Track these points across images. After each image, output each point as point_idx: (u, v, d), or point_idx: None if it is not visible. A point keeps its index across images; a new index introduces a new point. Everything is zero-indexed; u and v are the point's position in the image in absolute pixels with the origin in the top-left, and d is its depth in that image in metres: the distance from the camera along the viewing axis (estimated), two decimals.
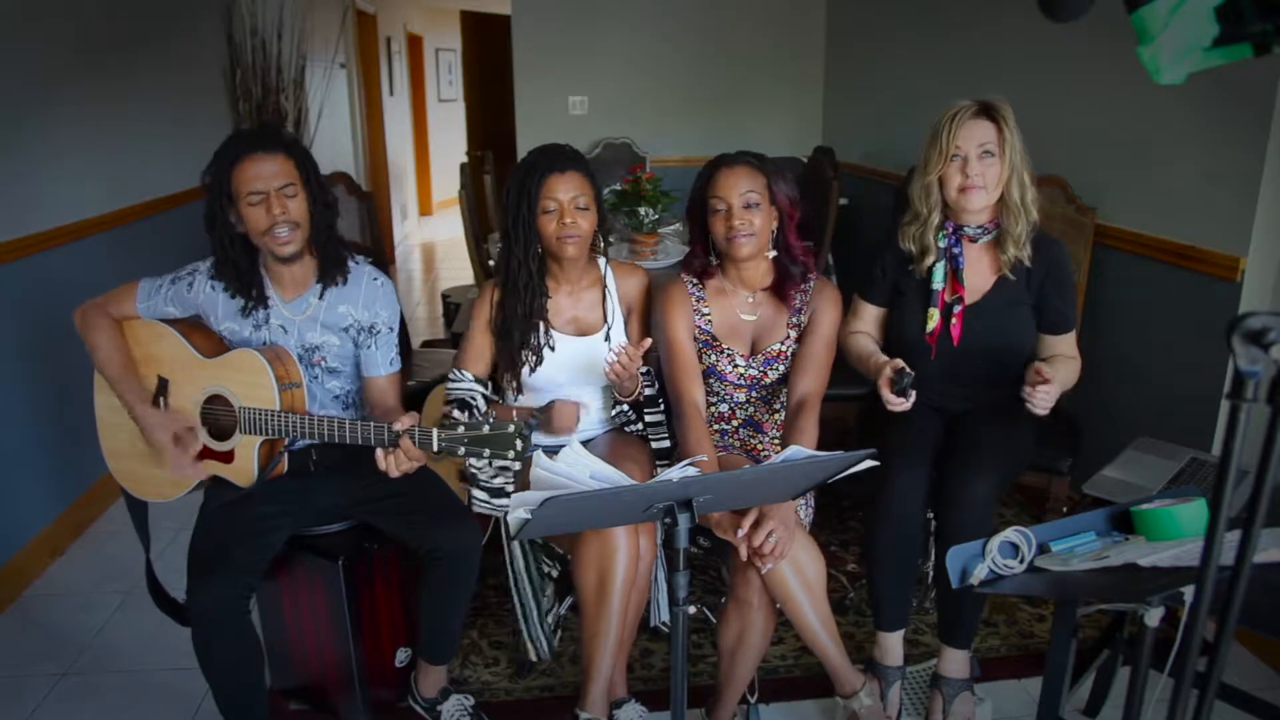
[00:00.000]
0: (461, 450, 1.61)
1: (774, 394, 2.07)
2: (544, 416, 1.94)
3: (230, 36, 4.42)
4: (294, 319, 1.89)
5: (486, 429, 1.59)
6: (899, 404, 1.89)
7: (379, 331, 1.94)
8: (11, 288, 2.64)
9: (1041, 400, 1.84)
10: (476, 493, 2.00)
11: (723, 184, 1.90)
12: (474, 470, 1.96)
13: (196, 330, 1.91)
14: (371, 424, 1.70)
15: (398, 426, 1.66)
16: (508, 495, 2.03)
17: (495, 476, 2.00)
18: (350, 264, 1.93)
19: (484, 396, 2.00)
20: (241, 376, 1.82)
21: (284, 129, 1.91)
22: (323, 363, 1.93)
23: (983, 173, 1.94)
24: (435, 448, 1.64)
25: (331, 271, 1.90)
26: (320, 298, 1.90)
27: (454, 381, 2.00)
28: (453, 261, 7.85)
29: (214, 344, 1.90)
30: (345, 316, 1.91)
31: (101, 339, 1.88)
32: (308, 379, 1.90)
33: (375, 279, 1.95)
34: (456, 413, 1.96)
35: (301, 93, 4.90)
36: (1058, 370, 1.98)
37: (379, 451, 1.70)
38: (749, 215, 1.89)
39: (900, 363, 1.90)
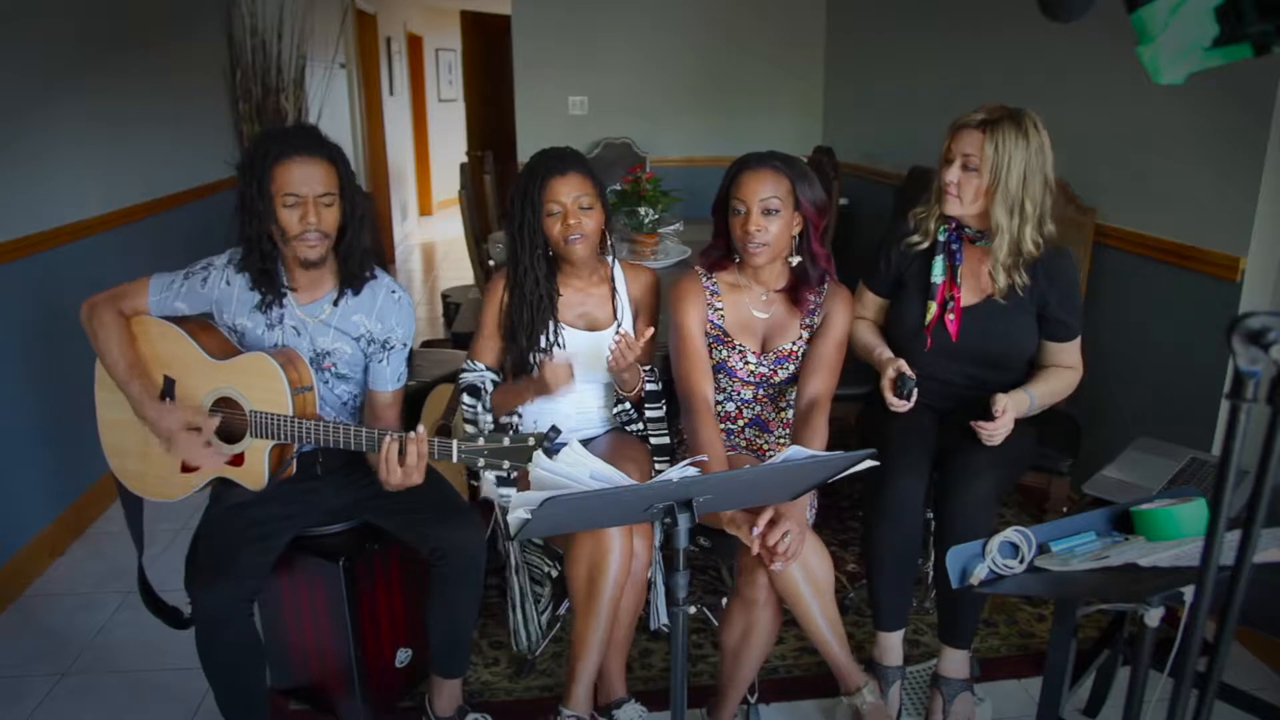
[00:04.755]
0: (481, 462, 1.61)
1: (781, 393, 2.07)
2: (538, 383, 1.90)
3: (230, 36, 4.42)
4: (307, 321, 1.88)
5: (506, 441, 1.59)
6: (900, 405, 1.92)
7: (392, 347, 1.92)
8: (12, 287, 2.64)
9: (987, 435, 1.88)
10: (488, 475, 1.97)
11: (745, 186, 1.89)
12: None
13: (204, 330, 1.88)
14: (389, 433, 1.70)
15: (421, 431, 1.66)
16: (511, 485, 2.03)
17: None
18: (368, 276, 1.90)
19: (493, 381, 2.02)
20: (253, 380, 1.79)
21: (323, 134, 1.88)
22: (333, 368, 1.91)
23: (959, 183, 1.95)
24: (455, 459, 1.64)
25: (350, 283, 1.88)
26: (335, 304, 1.88)
27: (467, 371, 2.03)
28: (453, 261, 7.85)
29: (222, 344, 1.87)
30: (359, 325, 1.89)
31: (110, 339, 1.83)
32: (317, 383, 1.88)
33: (394, 293, 1.92)
34: (467, 397, 1.99)
35: (301, 93, 4.90)
36: (1041, 385, 2.01)
37: (383, 467, 1.69)
38: (766, 222, 1.88)
39: (904, 364, 1.92)
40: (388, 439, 1.68)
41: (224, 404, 1.84)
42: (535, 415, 2.07)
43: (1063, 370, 2.06)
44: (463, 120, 8.39)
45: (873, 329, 2.18)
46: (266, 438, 1.79)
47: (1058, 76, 2.95)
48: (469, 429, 2.00)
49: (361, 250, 1.88)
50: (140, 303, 1.88)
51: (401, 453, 1.67)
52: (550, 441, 1.57)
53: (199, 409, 1.83)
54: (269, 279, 1.83)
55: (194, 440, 1.81)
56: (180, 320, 1.88)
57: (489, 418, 1.99)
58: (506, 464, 1.60)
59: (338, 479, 1.95)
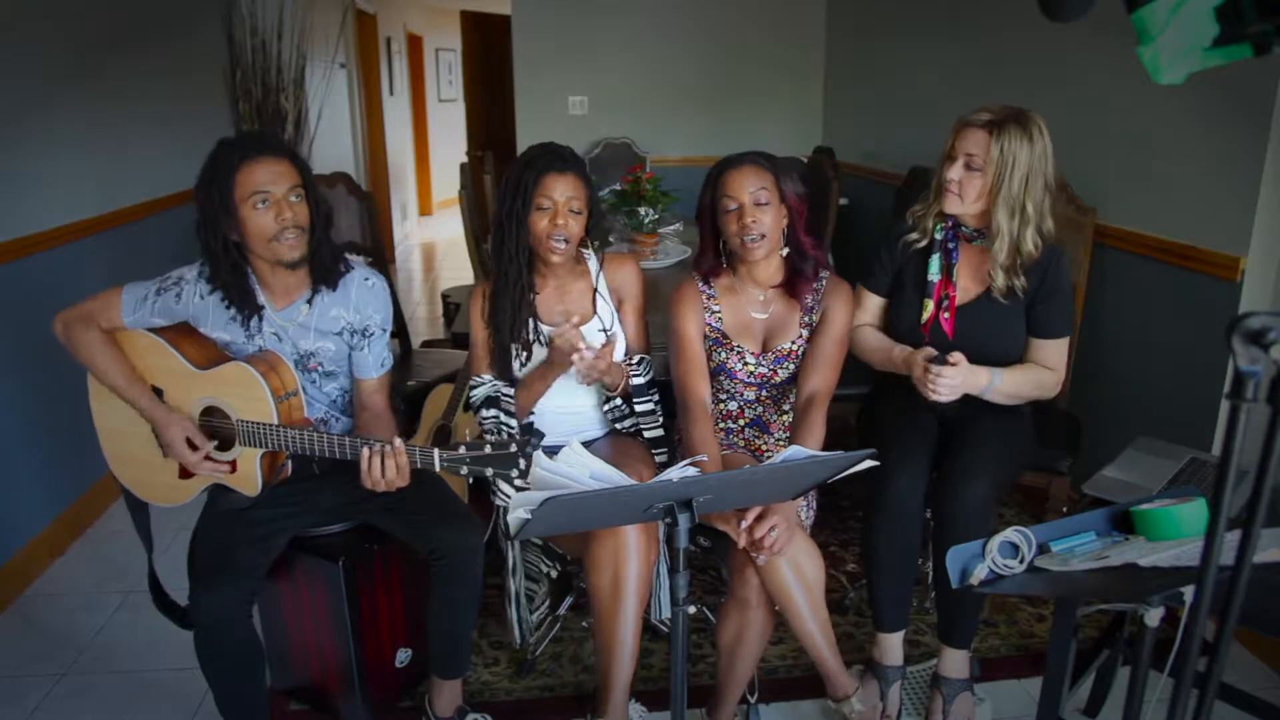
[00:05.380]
0: (464, 470, 1.61)
1: (783, 394, 2.08)
2: (554, 355, 1.88)
3: (230, 36, 4.42)
4: (287, 326, 1.87)
5: (488, 449, 1.59)
6: (939, 394, 1.89)
7: (372, 334, 1.92)
8: (11, 288, 2.64)
9: (934, 383, 1.85)
10: (503, 485, 1.98)
11: (733, 182, 1.91)
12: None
13: (185, 339, 1.86)
14: (372, 441, 1.69)
15: (399, 444, 1.65)
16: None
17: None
18: (341, 269, 1.89)
19: (506, 389, 2.01)
20: (236, 390, 1.79)
21: (280, 135, 1.88)
22: (319, 368, 1.91)
23: (960, 181, 1.95)
24: (437, 467, 1.63)
25: (323, 279, 1.87)
26: (310, 303, 1.87)
27: (476, 387, 2.02)
28: (453, 261, 7.85)
29: (205, 352, 1.85)
30: (337, 320, 1.89)
31: (96, 353, 1.83)
32: (305, 384, 1.88)
33: (366, 279, 1.91)
34: (486, 410, 1.99)
35: (301, 93, 4.90)
36: (1014, 373, 1.97)
37: (366, 478, 1.68)
38: (759, 213, 1.89)
39: (932, 351, 1.91)
40: (365, 452, 1.68)
41: (211, 413, 1.84)
42: (532, 416, 2.07)
43: (1039, 368, 2.03)
44: (463, 120, 8.40)
45: (878, 333, 2.17)
46: (255, 446, 1.79)
47: (1058, 76, 2.95)
48: (490, 440, 2.00)
49: (331, 245, 1.87)
50: (115, 318, 1.85)
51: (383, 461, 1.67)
52: (533, 447, 1.56)
53: (198, 428, 1.82)
54: (241, 294, 1.82)
55: (189, 455, 1.81)
56: (161, 331, 1.86)
57: (513, 422, 1.98)
58: (490, 471, 1.59)
59: (335, 478, 1.94)
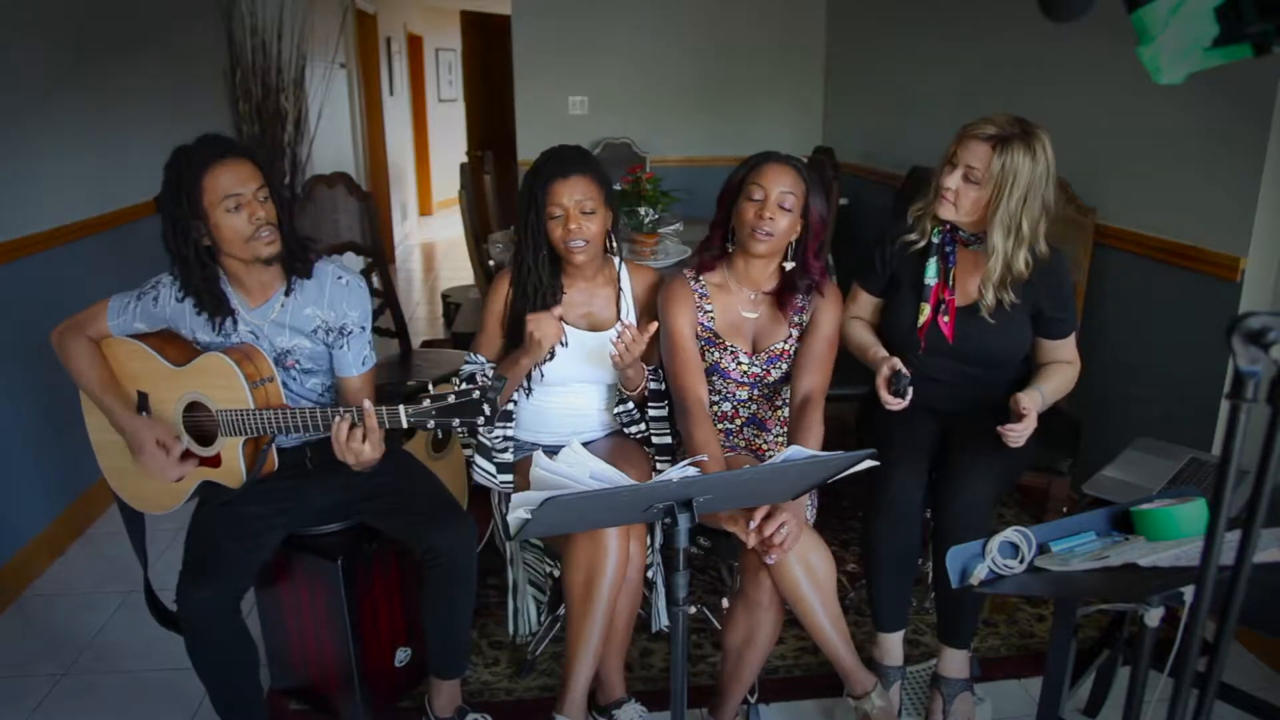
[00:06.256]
0: (431, 423, 1.62)
1: (776, 391, 2.08)
2: (529, 344, 1.89)
3: (230, 36, 4.42)
4: (262, 325, 1.87)
5: (451, 399, 1.60)
6: (896, 404, 1.92)
7: (350, 332, 1.91)
8: (11, 288, 2.64)
9: (1014, 437, 1.88)
10: (481, 462, 2.01)
11: (768, 174, 1.91)
12: (485, 441, 1.99)
13: (168, 342, 1.88)
14: (342, 409, 1.72)
15: (367, 405, 1.67)
16: (510, 472, 2.04)
17: (505, 450, 2.01)
18: (314, 259, 1.90)
19: (492, 368, 2.02)
20: (213, 380, 1.80)
21: (234, 137, 1.89)
22: (296, 365, 1.92)
23: (957, 191, 1.95)
24: (404, 423, 1.64)
25: (295, 269, 1.87)
26: (285, 300, 1.87)
27: (467, 364, 2.04)
28: (453, 261, 7.85)
29: (183, 351, 1.87)
30: (312, 319, 1.88)
31: (79, 359, 1.86)
32: (286, 380, 1.89)
33: (340, 278, 1.91)
34: (464, 386, 1.99)
35: (301, 93, 4.90)
36: (1047, 382, 2.00)
37: (336, 448, 1.70)
38: (778, 214, 1.90)
39: (898, 363, 1.92)
40: (336, 419, 1.70)
41: (195, 409, 1.84)
42: (533, 416, 2.07)
43: (1062, 366, 2.06)
44: (463, 120, 8.39)
45: (867, 328, 2.18)
46: (236, 435, 1.81)
47: (1058, 76, 2.95)
48: (453, 390, 2.01)
49: (296, 236, 1.88)
50: (102, 326, 1.89)
51: (353, 428, 1.68)
52: (495, 390, 1.57)
53: (170, 428, 1.84)
54: (214, 299, 1.83)
55: (164, 459, 1.83)
56: (145, 336, 1.89)
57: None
58: (457, 421, 1.59)
59: (327, 477, 1.94)
